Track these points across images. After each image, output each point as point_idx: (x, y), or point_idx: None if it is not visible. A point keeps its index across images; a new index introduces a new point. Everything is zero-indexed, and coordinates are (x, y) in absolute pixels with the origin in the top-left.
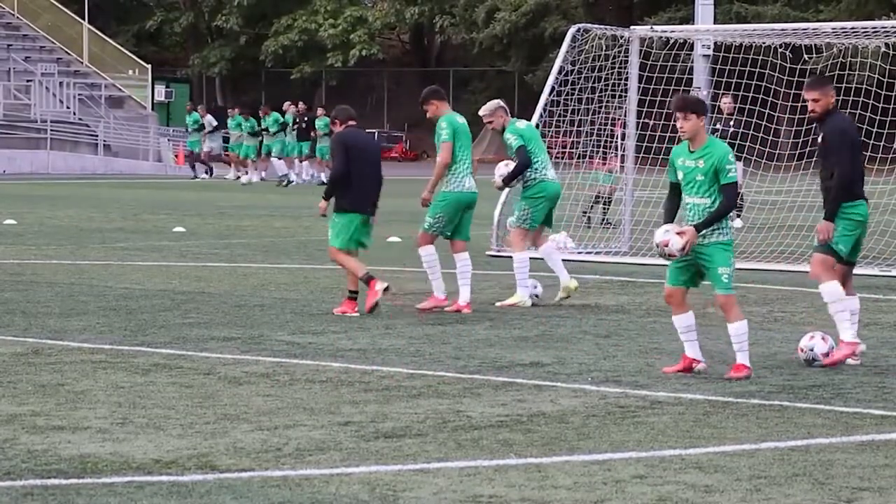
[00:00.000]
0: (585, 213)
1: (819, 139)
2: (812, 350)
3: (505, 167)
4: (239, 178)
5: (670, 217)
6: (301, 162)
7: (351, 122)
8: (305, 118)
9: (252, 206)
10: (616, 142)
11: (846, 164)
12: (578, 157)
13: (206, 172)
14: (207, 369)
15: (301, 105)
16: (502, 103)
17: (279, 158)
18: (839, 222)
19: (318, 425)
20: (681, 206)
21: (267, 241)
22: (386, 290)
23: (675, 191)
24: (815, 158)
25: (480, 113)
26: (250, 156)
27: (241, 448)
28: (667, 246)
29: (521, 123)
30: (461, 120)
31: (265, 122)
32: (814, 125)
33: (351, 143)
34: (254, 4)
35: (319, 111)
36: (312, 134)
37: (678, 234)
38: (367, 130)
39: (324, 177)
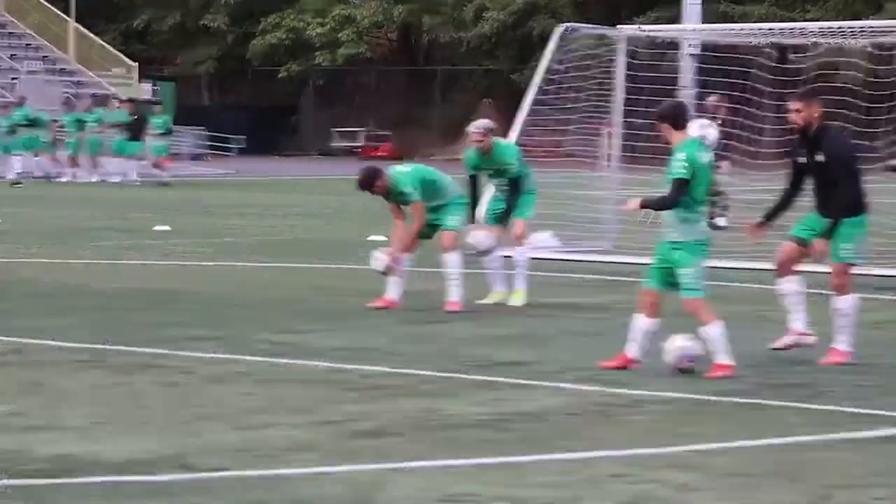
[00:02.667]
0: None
1: (814, 156)
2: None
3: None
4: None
5: None
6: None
7: None
8: (135, 115)
9: (239, 204)
10: (603, 141)
11: (851, 184)
12: (564, 156)
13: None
14: (187, 369)
15: (128, 103)
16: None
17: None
18: (855, 232)
19: (296, 424)
20: None
21: (253, 239)
22: None
23: None
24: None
25: (472, 129)
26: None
27: (219, 447)
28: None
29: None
30: None
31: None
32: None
33: None
34: (241, 3)
35: (157, 108)
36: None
37: None
38: (354, 129)
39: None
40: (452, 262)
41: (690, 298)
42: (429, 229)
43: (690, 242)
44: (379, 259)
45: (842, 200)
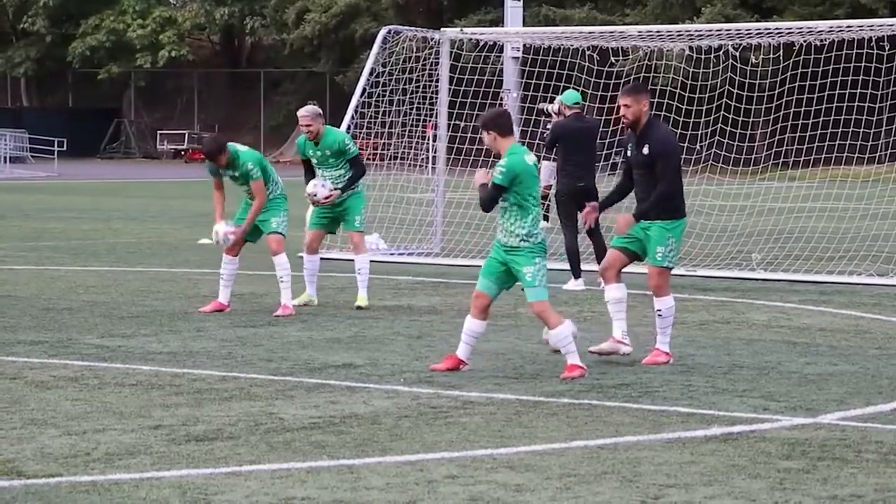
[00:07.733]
0: None
1: (641, 149)
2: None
3: (323, 186)
4: None
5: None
6: None
7: None
8: None
9: (59, 208)
10: (428, 143)
11: (672, 180)
12: (389, 159)
13: None
14: (14, 374)
15: None
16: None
17: None
18: (670, 235)
19: (128, 429)
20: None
21: (75, 243)
22: None
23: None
24: (623, 167)
25: (301, 114)
26: None
27: (49, 453)
28: None
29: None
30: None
31: None
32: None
33: None
34: (60, 5)
35: None
36: None
37: None
38: (179, 132)
39: None
40: (282, 265)
41: (536, 301)
42: (253, 232)
43: (529, 245)
44: (219, 233)
45: (660, 201)
